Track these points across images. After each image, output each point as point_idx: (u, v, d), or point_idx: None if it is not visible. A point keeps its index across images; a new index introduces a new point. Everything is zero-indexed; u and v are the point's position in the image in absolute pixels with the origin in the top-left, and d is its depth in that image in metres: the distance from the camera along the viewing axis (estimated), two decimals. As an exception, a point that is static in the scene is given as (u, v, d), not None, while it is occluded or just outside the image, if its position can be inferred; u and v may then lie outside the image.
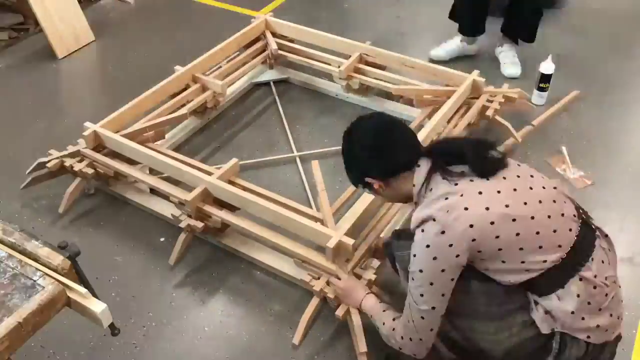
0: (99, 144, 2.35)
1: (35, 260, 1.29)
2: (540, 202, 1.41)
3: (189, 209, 2.09)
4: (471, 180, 1.40)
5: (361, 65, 2.83)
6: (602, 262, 1.47)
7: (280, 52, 2.97)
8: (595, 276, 1.43)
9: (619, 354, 1.85)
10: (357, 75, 2.81)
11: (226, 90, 2.74)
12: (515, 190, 1.40)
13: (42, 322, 1.24)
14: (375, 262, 1.94)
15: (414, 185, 1.50)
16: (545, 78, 2.83)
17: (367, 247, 1.98)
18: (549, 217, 1.41)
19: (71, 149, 2.38)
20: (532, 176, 1.47)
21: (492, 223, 1.36)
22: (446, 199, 1.39)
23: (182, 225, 2.10)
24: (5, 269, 1.27)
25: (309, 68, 3.01)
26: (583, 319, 1.43)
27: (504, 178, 1.43)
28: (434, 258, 1.38)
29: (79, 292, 1.26)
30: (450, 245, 1.37)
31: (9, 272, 1.27)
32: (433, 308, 1.44)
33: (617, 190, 2.47)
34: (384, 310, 1.66)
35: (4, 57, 3.35)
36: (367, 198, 2.02)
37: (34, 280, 1.25)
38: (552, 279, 1.42)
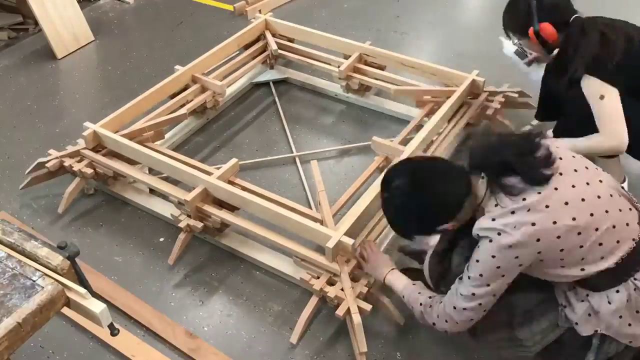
0: (98, 144, 2.35)
1: (35, 260, 1.29)
2: (607, 212, 1.40)
3: (188, 209, 2.09)
4: (538, 193, 1.38)
5: (361, 65, 2.82)
6: None
7: (280, 52, 2.97)
8: None
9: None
10: (357, 75, 2.81)
11: (226, 90, 2.74)
12: (583, 200, 1.39)
13: (42, 322, 1.24)
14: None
15: (479, 204, 1.48)
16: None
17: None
18: (614, 227, 1.41)
19: (70, 149, 2.38)
20: (587, 168, 1.46)
21: (558, 237, 1.37)
22: (512, 212, 1.38)
23: (182, 225, 2.10)
24: (4, 269, 1.27)
25: (309, 68, 3.01)
26: (630, 325, 1.46)
27: (570, 182, 1.41)
28: (498, 267, 1.42)
29: (78, 292, 1.26)
30: (516, 257, 1.40)
31: (9, 272, 1.27)
32: (480, 305, 1.49)
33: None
34: (416, 288, 1.70)
35: (3, 57, 3.35)
36: (366, 199, 2.02)
37: (34, 281, 1.25)
38: (606, 279, 1.44)
